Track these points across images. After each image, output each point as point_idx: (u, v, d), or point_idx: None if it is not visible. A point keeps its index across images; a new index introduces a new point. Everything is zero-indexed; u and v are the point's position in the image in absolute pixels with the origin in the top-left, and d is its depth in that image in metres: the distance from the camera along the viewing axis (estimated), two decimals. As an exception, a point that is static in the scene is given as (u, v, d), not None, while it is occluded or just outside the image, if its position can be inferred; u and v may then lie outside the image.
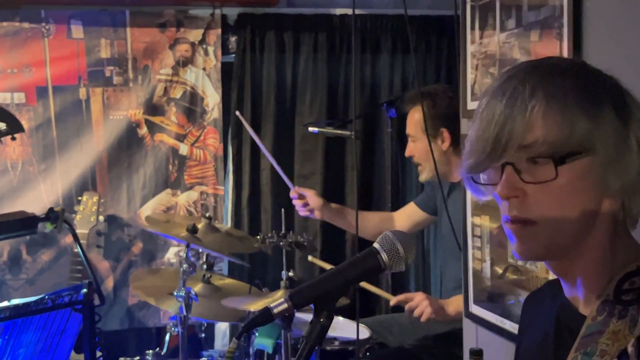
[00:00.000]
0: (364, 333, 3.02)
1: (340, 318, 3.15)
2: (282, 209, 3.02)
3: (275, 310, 1.09)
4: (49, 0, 3.95)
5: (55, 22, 3.96)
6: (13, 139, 2.47)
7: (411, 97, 3.18)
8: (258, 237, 3.08)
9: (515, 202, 1.04)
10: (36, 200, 3.90)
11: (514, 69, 1.08)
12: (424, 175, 3.10)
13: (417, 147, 3.09)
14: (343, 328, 3.05)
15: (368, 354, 2.97)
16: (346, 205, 3.74)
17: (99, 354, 2.64)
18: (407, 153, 3.19)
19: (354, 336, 2.88)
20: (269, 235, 2.98)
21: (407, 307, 2.79)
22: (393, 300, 2.87)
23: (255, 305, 2.74)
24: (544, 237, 1.05)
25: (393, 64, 4.28)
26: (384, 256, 1.15)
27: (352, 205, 3.86)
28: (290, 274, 2.75)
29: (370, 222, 3.33)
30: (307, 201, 3.24)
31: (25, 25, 3.93)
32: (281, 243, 2.78)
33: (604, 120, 1.03)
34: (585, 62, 1.14)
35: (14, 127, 2.45)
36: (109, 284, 4.00)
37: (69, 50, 3.98)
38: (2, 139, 2.45)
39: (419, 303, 2.75)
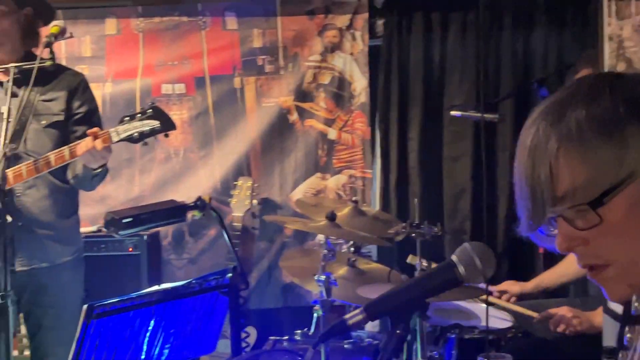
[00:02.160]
0: (506, 322, 2.96)
1: (483, 305, 3.11)
2: (415, 200, 3.01)
3: (350, 322, 1.12)
4: (205, -6, 4.16)
5: (211, 14, 4.17)
6: (166, 136, 2.65)
7: (583, 60, 3.02)
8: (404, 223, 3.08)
9: (581, 250, 0.97)
10: (196, 184, 4.16)
11: (536, 109, 1.00)
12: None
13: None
14: (485, 316, 3.01)
15: (509, 342, 2.91)
16: (497, 190, 3.65)
17: (243, 334, 2.79)
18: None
19: (496, 325, 2.84)
20: (415, 223, 2.97)
21: (551, 322, 2.75)
22: (537, 317, 2.83)
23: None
24: (622, 277, 0.97)
25: (547, 40, 4.09)
26: (461, 269, 1.14)
27: (503, 190, 3.78)
28: (424, 263, 2.75)
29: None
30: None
31: (184, 19, 4.17)
32: (413, 234, 2.78)
33: (633, 139, 0.92)
34: (614, 72, 1.03)
35: (167, 125, 2.63)
36: (263, 264, 4.19)
37: (224, 42, 4.18)
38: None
39: (563, 318, 2.70)
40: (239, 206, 3.95)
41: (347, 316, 1.14)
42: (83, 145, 2.55)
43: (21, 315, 2.86)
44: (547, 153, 0.95)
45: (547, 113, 0.97)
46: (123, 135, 2.57)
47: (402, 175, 4.17)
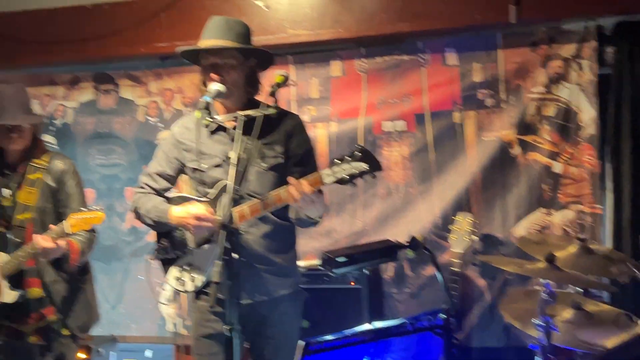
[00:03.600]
0: None
1: None
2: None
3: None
4: (426, 32, 4.21)
5: (432, 51, 4.22)
6: (373, 177, 2.71)
7: None
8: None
9: None
10: (416, 219, 4.20)
11: None
12: None
13: None
14: None
15: None
16: None
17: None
18: None
19: None
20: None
21: None
22: None
23: (612, 341, 2.58)
24: None
25: None
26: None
27: None
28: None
29: None
30: None
31: (405, 57, 4.25)
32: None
33: None
34: None
35: (375, 166, 2.69)
36: (485, 301, 4.11)
37: (444, 77, 4.20)
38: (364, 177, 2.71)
39: None
40: (459, 242, 3.92)
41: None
42: (293, 187, 2.68)
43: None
44: None
45: None
46: (334, 178, 2.66)
47: (636, 211, 3.89)
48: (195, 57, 3.01)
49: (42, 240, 3.17)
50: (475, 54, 4.16)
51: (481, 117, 4.15)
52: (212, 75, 2.88)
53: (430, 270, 4.21)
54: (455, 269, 3.86)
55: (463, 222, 3.96)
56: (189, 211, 2.85)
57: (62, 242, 3.20)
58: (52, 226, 3.23)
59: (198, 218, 2.82)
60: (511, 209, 4.09)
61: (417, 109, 4.24)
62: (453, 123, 4.18)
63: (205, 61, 2.91)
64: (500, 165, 4.11)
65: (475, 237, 4.00)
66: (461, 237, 3.92)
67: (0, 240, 3.51)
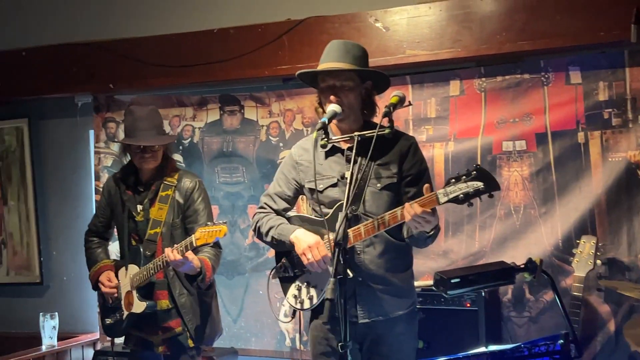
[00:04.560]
0: None
1: None
2: None
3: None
4: (548, 51, 4.12)
5: (554, 70, 4.12)
6: (490, 196, 2.68)
7: None
8: None
9: None
10: (537, 242, 4.10)
11: None
12: None
13: None
14: None
15: None
16: None
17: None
18: None
19: None
20: None
21: None
22: None
23: None
24: None
25: None
26: None
27: None
28: None
29: None
30: None
31: (526, 76, 4.18)
32: None
33: None
34: None
35: (491, 186, 2.66)
36: (610, 327, 3.95)
37: (567, 96, 4.09)
38: (481, 197, 2.69)
39: None
40: (582, 266, 3.81)
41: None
42: (409, 207, 2.70)
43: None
44: None
45: None
46: (449, 197, 2.66)
47: None
48: (313, 80, 3.10)
49: (172, 253, 3.34)
50: (600, 72, 4.02)
51: (606, 137, 4.00)
52: (330, 97, 2.96)
53: (551, 294, 4.09)
54: (577, 294, 3.74)
55: (587, 245, 3.85)
56: (308, 243, 2.93)
57: (190, 255, 3.36)
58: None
59: (312, 259, 2.90)
60: (638, 233, 3.92)
61: (538, 128, 4.14)
62: (577, 143, 4.06)
63: (323, 83, 3.00)
64: (627, 187, 3.95)
65: (599, 262, 3.87)
66: (584, 261, 3.81)
67: (133, 253, 3.73)
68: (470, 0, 4.19)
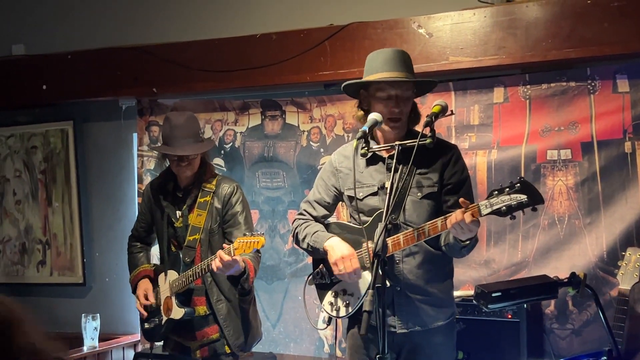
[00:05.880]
0: None
1: None
2: None
3: None
4: (594, 58, 4.04)
5: (601, 78, 4.04)
6: (534, 210, 2.63)
7: None
8: None
9: None
10: (581, 253, 4.02)
11: None
12: None
13: None
14: None
15: None
16: None
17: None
18: None
19: None
20: None
21: None
22: None
23: None
24: None
25: None
26: None
27: None
28: None
29: None
30: None
31: (572, 84, 4.10)
32: None
33: None
34: None
35: (535, 199, 2.61)
36: (657, 343, 3.85)
37: (614, 105, 4.00)
38: (524, 210, 2.64)
39: None
40: (627, 279, 3.72)
41: None
42: (453, 218, 2.67)
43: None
44: None
45: None
46: (491, 209, 2.62)
47: None
48: (357, 89, 3.07)
49: (226, 255, 3.31)
50: (648, 80, 3.94)
51: (655, 147, 3.91)
52: (391, 108, 2.93)
53: (594, 307, 4.00)
54: (622, 307, 3.65)
55: (632, 257, 3.75)
56: (342, 253, 2.91)
57: (238, 257, 3.35)
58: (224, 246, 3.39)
59: (343, 271, 2.88)
60: (686, 245, 3.82)
61: (583, 137, 4.06)
62: (623, 152, 3.97)
63: (381, 93, 2.95)
64: (676, 199, 3.85)
65: (645, 274, 3.77)
66: (630, 273, 3.71)
67: (172, 259, 3.75)
68: (515, 6, 4.13)
